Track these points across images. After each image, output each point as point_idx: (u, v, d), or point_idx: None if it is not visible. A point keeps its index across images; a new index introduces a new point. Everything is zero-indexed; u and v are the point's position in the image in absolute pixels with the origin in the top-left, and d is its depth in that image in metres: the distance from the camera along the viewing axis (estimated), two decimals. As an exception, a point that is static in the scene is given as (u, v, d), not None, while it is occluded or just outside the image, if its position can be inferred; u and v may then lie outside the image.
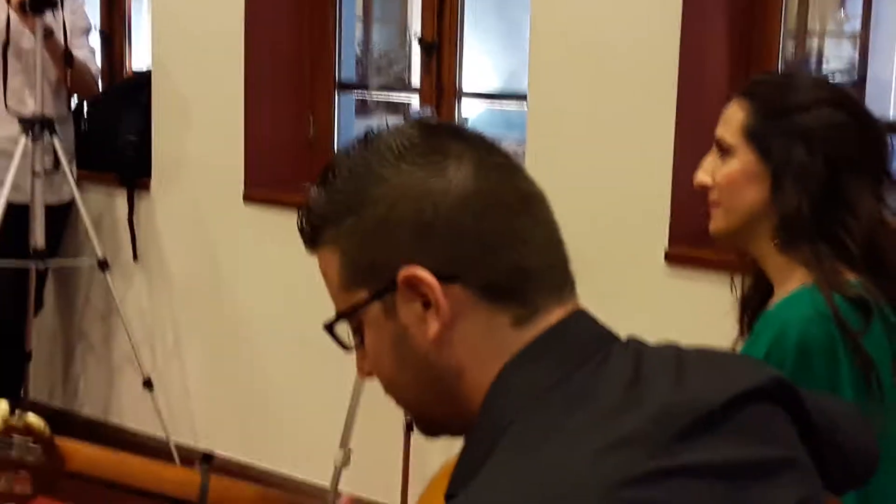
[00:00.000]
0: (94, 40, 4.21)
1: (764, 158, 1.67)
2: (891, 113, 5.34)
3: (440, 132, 1.08)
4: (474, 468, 0.99)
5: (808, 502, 1.02)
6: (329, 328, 1.09)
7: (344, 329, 1.10)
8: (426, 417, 1.12)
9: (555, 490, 0.92)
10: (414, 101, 3.79)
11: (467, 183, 1.03)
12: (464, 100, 3.65)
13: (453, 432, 1.10)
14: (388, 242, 1.03)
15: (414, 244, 1.02)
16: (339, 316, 1.08)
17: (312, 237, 1.09)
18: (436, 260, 1.02)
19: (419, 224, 1.02)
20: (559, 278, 1.06)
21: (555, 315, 1.04)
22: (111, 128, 4.10)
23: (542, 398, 1.00)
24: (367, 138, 1.08)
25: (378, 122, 1.14)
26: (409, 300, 1.03)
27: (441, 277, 1.02)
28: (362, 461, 3.29)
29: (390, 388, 1.11)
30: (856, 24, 6.42)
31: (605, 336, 1.07)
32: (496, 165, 1.06)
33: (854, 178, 1.63)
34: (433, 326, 1.03)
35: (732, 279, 1.82)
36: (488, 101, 4.76)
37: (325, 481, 3.27)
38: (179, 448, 3.83)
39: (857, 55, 6.39)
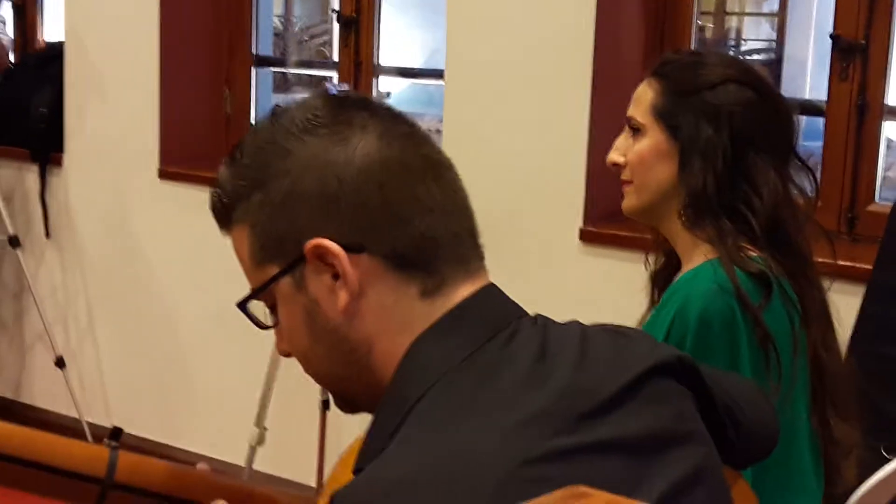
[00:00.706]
0: (6, 11, 4.12)
1: (672, 136, 1.68)
2: (806, 92, 5.42)
3: (345, 104, 1.07)
4: (382, 443, 0.99)
5: (703, 472, 1.04)
6: (242, 306, 1.09)
7: (260, 308, 1.10)
8: (342, 393, 1.13)
9: (457, 468, 0.93)
10: (333, 76, 3.76)
11: (371, 152, 1.03)
12: (382, 76, 3.63)
13: (369, 409, 1.09)
14: (295, 215, 1.03)
15: (320, 216, 1.02)
16: (252, 293, 1.08)
17: (224, 217, 1.09)
18: (342, 231, 1.02)
19: (324, 195, 1.02)
20: (466, 248, 1.07)
21: (463, 288, 1.05)
22: (22, 101, 4.02)
23: (449, 375, 1.01)
24: (275, 113, 1.08)
25: (298, 98, 1.14)
26: (318, 272, 1.03)
27: (348, 248, 1.02)
28: (278, 440, 3.28)
29: (306, 364, 1.11)
30: (774, 4, 6.50)
31: (512, 312, 1.07)
32: (401, 134, 1.06)
33: (759, 155, 1.65)
34: (342, 297, 1.03)
35: (647, 256, 1.84)
36: (409, 77, 4.74)
37: (240, 461, 3.25)
38: (93, 427, 3.79)
39: (774, 35, 6.47)
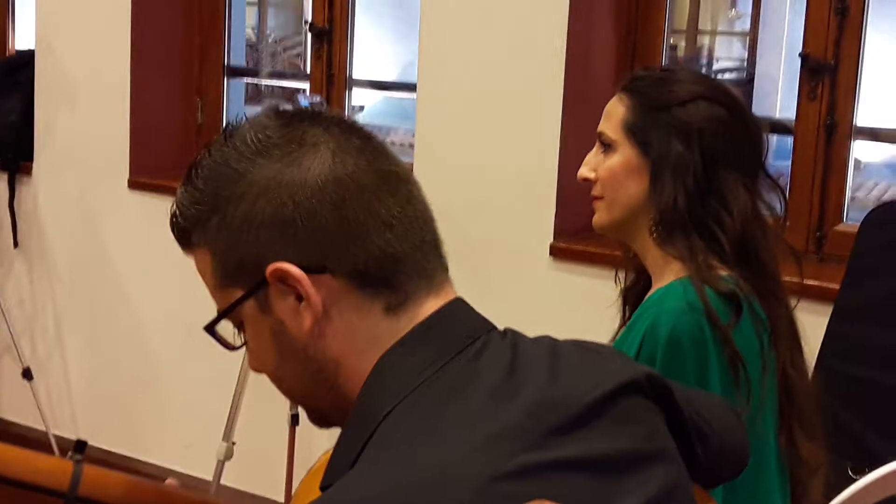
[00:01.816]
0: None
1: (643, 152, 1.69)
2: (777, 111, 5.45)
3: (296, 120, 1.06)
4: (348, 460, 0.99)
5: (674, 491, 1.04)
6: (210, 329, 1.09)
7: (228, 328, 1.09)
8: (313, 409, 1.12)
9: (424, 487, 0.92)
10: (306, 88, 3.75)
11: (324, 172, 1.02)
12: (355, 88, 3.63)
13: (341, 423, 1.09)
14: (254, 240, 1.02)
15: (278, 239, 1.02)
16: (218, 317, 1.08)
17: (184, 239, 1.09)
18: (301, 252, 1.01)
19: (280, 219, 1.01)
20: (429, 260, 1.06)
21: (428, 302, 1.05)
22: (-9, 109, 3.99)
23: (417, 391, 1.00)
24: (227, 133, 1.07)
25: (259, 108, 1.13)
26: (281, 294, 1.03)
27: (308, 269, 1.01)
28: (246, 455, 3.26)
29: (277, 381, 1.11)
30: (746, 23, 6.54)
31: (480, 326, 1.07)
32: (354, 150, 1.04)
33: (729, 172, 1.65)
34: (307, 319, 1.03)
35: (617, 272, 1.84)
36: (382, 90, 4.74)
37: (208, 475, 3.23)
38: (59, 440, 3.75)
39: (745, 54, 6.51)
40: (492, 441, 0.95)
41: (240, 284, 1.05)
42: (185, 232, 1.07)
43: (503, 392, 1.00)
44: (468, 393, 0.99)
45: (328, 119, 1.07)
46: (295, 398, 1.13)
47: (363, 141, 1.06)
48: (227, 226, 1.03)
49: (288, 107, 1.10)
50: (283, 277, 1.02)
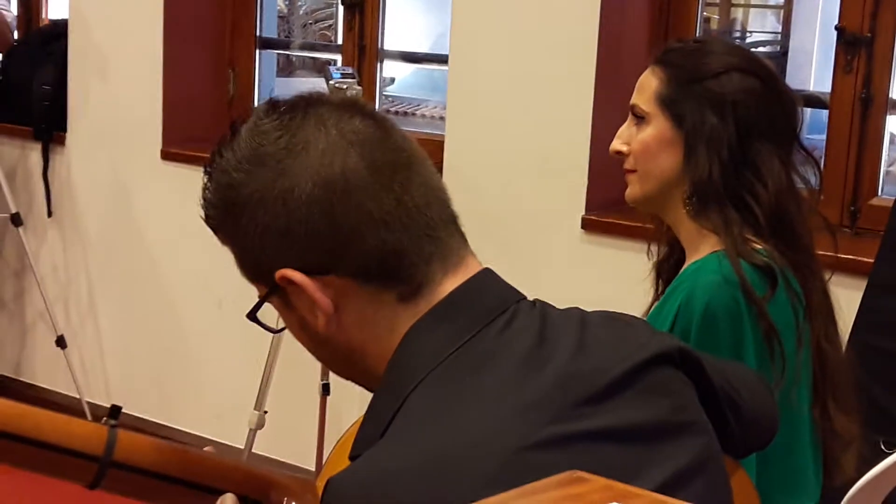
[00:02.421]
0: (11, -11, 4.11)
1: (677, 125, 1.67)
2: (811, 85, 5.40)
3: (288, 118, 1.06)
4: (377, 431, 1.00)
5: (704, 462, 1.04)
6: (251, 316, 1.12)
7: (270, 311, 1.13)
8: (351, 380, 1.15)
9: (454, 456, 0.93)
10: (337, 59, 3.75)
11: (313, 177, 1.02)
12: (386, 60, 3.62)
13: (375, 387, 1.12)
14: (260, 248, 1.05)
15: (279, 248, 1.04)
16: (255, 307, 1.11)
17: (213, 230, 1.12)
18: (303, 258, 1.04)
19: (277, 228, 1.04)
20: (441, 243, 1.06)
21: (447, 283, 1.05)
22: (25, 78, 4.01)
23: (444, 363, 1.01)
24: (232, 131, 1.09)
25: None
26: (296, 293, 1.06)
27: (312, 273, 1.04)
28: (278, 423, 3.28)
29: (315, 356, 1.15)
30: (780, -4, 6.46)
31: (509, 296, 1.07)
32: (347, 144, 1.04)
33: (763, 144, 1.64)
34: (320, 318, 1.05)
35: (649, 246, 1.83)
36: (413, 62, 4.72)
37: (239, 443, 3.25)
38: (93, 406, 3.79)
39: (780, 27, 6.44)
40: (520, 412, 0.96)
41: (261, 283, 1.08)
42: (211, 226, 1.11)
43: (532, 363, 1.00)
44: (496, 364, 1.00)
45: (324, 111, 1.06)
46: (332, 370, 1.17)
47: (357, 133, 1.05)
48: (236, 233, 1.07)
49: (285, 99, 1.09)
50: (291, 282, 1.04)
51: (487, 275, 1.08)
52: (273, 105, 1.08)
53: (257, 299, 1.11)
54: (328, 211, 1.02)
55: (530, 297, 1.09)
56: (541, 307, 1.07)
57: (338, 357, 1.11)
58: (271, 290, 1.07)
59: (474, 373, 1.00)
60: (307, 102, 1.08)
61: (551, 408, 0.97)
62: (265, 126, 1.06)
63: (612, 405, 1.00)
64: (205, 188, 1.10)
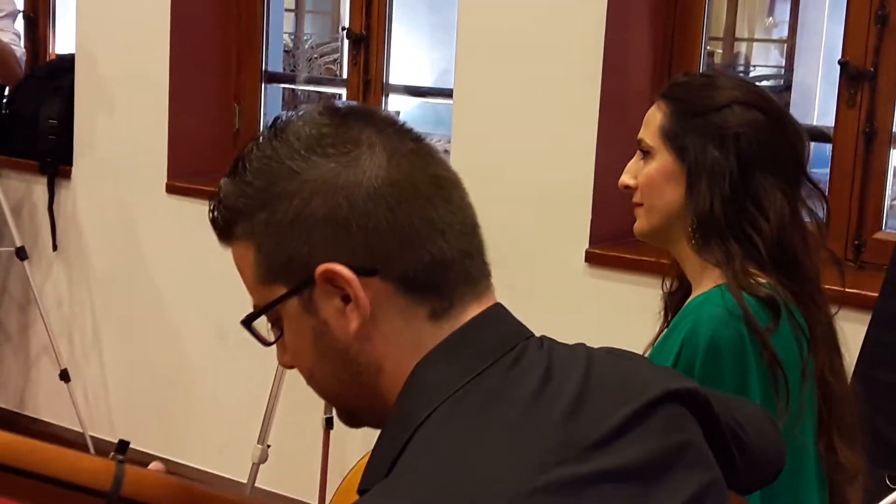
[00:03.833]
0: (20, 25, 4.14)
1: (680, 159, 1.68)
2: (815, 119, 5.42)
3: (350, 119, 1.05)
4: (386, 465, 0.99)
5: (708, 497, 1.04)
6: (247, 324, 1.07)
7: (262, 322, 1.09)
8: (347, 409, 1.12)
9: (462, 496, 0.92)
10: (342, 93, 3.77)
11: (380, 174, 1.01)
12: (391, 94, 3.64)
13: (373, 425, 1.09)
14: (304, 238, 1.01)
15: (330, 239, 1.01)
16: (258, 312, 1.07)
17: (225, 231, 1.07)
18: (353, 254, 1.01)
19: (334, 219, 1.00)
20: (475, 269, 1.06)
21: (471, 309, 1.04)
22: (31, 112, 4.03)
23: (454, 397, 1.00)
24: (277, 126, 1.06)
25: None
26: (328, 295, 1.02)
27: (359, 272, 1.01)
28: (281, 458, 3.27)
29: (310, 379, 1.10)
30: (784, 31, 6.51)
31: (517, 333, 1.06)
32: (409, 152, 1.04)
33: (766, 178, 1.64)
34: (353, 321, 1.02)
35: (663, 279, 1.83)
36: (418, 96, 4.75)
37: (243, 477, 3.25)
38: (96, 441, 3.78)
39: (783, 61, 6.48)
40: (527, 454, 0.95)
41: (284, 282, 1.04)
42: (229, 223, 1.06)
43: (538, 403, 0.99)
44: (503, 404, 0.99)
45: (381, 119, 1.06)
46: (328, 397, 1.12)
47: (416, 144, 1.05)
48: (277, 223, 1.02)
49: (340, 105, 1.09)
50: (333, 278, 1.01)
51: (499, 310, 1.07)
52: (331, 107, 1.06)
53: (254, 308, 1.07)
54: (392, 209, 1.00)
55: (535, 332, 1.09)
56: (548, 345, 1.07)
57: (344, 373, 1.06)
58: (297, 289, 1.03)
59: (482, 412, 0.99)
60: (361, 109, 1.08)
61: (558, 450, 0.96)
62: (326, 121, 1.04)
63: (619, 445, 0.99)
64: (236, 176, 1.05)
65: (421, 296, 1.03)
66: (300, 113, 1.07)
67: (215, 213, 1.07)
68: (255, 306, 1.07)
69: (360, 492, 1.01)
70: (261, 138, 1.06)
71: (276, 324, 1.08)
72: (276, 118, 1.08)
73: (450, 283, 1.03)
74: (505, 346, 1.04)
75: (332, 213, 1.00)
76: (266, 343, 1.10)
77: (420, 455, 0.97)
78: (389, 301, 1.02)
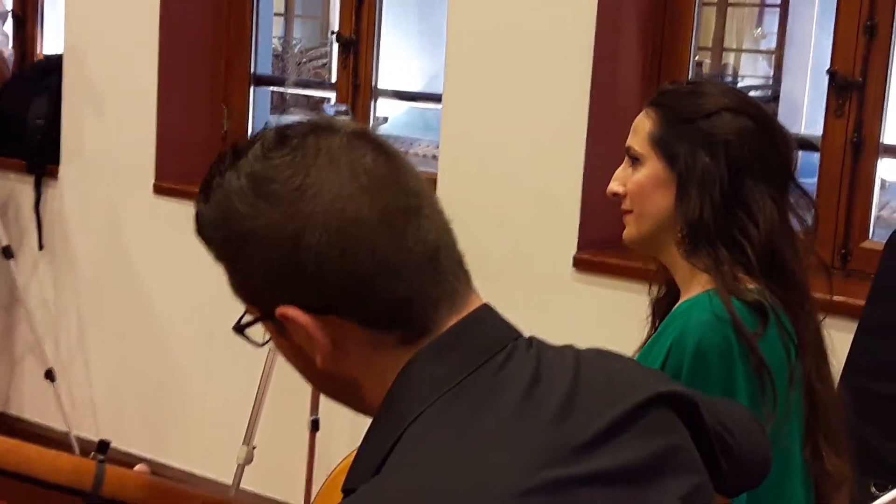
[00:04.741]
0: (8, 26, 4.13)
1: (670, 165, 1.69)
2: (802, 128, 5.45)
3: (300, 151, 1.03)
4: (372, 465, 0.99)
5: (695, 492, 1.04)
6: (239, 331, 1.09)
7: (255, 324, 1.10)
8: (343, 404, 1.13)
9: (453, 496, 0.92)
10: (331, 97, 3.77)
11: (325, 222, 0.99)
12: (380, 98, 3.64)
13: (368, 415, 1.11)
14: (260, 283, 1.03)
15: (284, 284, 1.01)
16: (244, 325, 1.08)
17: (203, 243, 1.09)
18: (307, 297, 1.01)
19: (284, 269, 1.00)
20: (446, 290, 1.04)
21: (448, 321, 1.04)
22: (19, 112, 4.02)
23: (442, 399, 1.00)
24: (236, 152, 1.05)
25: (294, 118, 1.10)
26: (294, 327, 1.03)
27: (315, 311, 1.01)
28: (266, 459, 3.26)
29: (304, 378, 1.12)
30: (772, 42, 6.53)
31: (506, 334, 1.06)
32: (360, 189, 1.01)
33: (756, 184, 1.65)
34: (317, 355, 1.03)
35: (650, 285, 1.83)
36: (407, 101, 4.76)
37: (227, 478, 3.24)
38: (81, 441, 3.77)
39: (771, 71, 6.50)
40: (517, 455, 0.95)
41: (255, 308, 1.06)
42: (203, 241, 1.08)
43: (527, 405, 0.99)
44: (493, 405, 0.99)
45: (335, 146, 1.03)
46: (326, 396, 1.14)
47: (370, 175, 1.02)
48: (236, 261, 1.04)
49: (294, 127, 1.06)
50: (289, 320, 1.02)
51: (486, 311, 1.07)
52: (283, 137, 1.04)
53: (244, 311, 1.08)
54: (339, 259, 0.99)
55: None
56: (537, 345, 1.07)
57: (332, 386, 1.09)
58: (265, 317, 1.05)
59: (471, 413, 0.99)
60: (317, 132, 1.05)
61: (548, 451, 0.96)
62: (275, 161, 1.02)
63: (609, 447, 0.99)
64: (199, 202, 1.06)
65: (385, 329, 1.02)
66: (256, 139, 1.05)
67: (195, 226, 1.09)
68: (240, 323, 1.08)
69: (346, 490, 1.01)
70: (223, 161, 1.06)
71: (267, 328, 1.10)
72: (235, 144, 1.07)
73: (414, 315, 1.03)
74: (493, 347, 1.03)
75: (280, 263, 1.00)
76: (257, 345, 1.11)
77: (408, 456, 0.97)
78: (353, 334, 1.02)
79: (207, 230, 1.06)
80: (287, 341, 1.06)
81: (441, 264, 1.04)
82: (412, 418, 0.99)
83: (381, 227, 1.01)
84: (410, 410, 1.00)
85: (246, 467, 3.16)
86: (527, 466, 0.95)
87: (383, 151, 1.05)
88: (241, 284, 1.06)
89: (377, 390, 1.04)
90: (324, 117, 1.10)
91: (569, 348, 1.10)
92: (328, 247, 0.99)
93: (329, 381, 1.08)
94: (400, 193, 1.04)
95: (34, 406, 4.10)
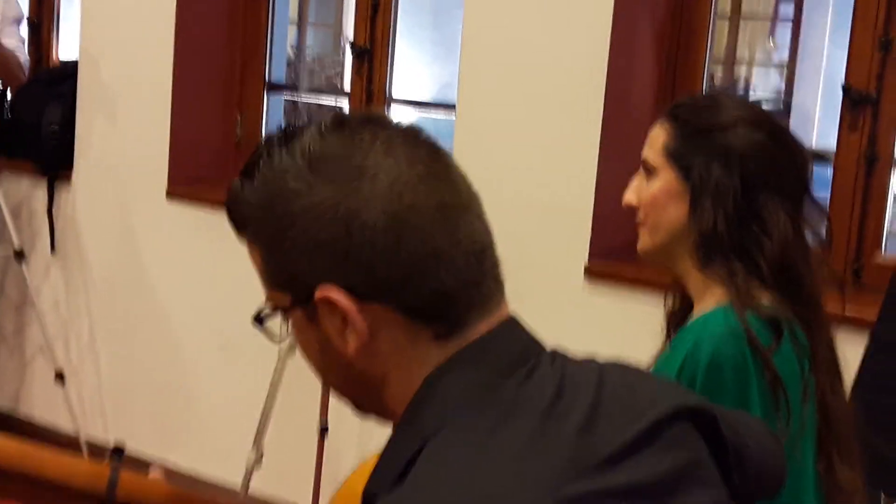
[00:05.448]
0: (24, 31, 4.15)
1: (684, 177, 1.69)
2: (813, 142, 5.44)
3: (358, 136, 1.03)
4: (395, 472, 0.99)
5: None
6: (259, 322, 1.08)
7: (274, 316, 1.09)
8: (356, 407, 1.13)
9: None
10: (344, 104, 3.78)
11: (382, 204, 0.99)
12: (393, 106, 3.66)
13: (384, 418, 1.10)
14: (304, 262, 1.01)
15: (329, 265, 1.00)
16: (266, 314, 1.07)
17: (237, 228, 1.08)
18: (352, 280, 1.00)
19: (333, 248, 1.00)
20: (482, 293, 1.04)
21: (479, 328, 1.04)
22: (34, 116, 4.03)
23: (467, 411, 1.00)
24: (288, 135, 1.05)
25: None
26: (329, 314, 1.02)
27: (358, 296, 1.00)
28: (275, 463, 3.27)
29: (320, 377, 1.11)
30: (784, 54, 6.53)
31: (531, 347, 1.06)
32: (417, 178, 1.01)
33: (770, 197, 1.65)
34: (351, 341, 1.02)
35: (665, 296, 1.83)
36: (419, 109, 4.76)
37: (236, 481, 3.25)
38: (90, 443, 3.78)
39: (783, 84, 6.50)
40: (541, 470, 0.95)
41: (288, 293, 1.04)
42: (238, 224, 1.07)
43: (552, 419, 0.99)
44: (517, 418, 0.99)
45: (393, 136, 1.03)
46: (338, 393, 1.13)
47: (426, 165, 1.03)
48: (280, 242, 1.02)
49: (351, 115, 1.07)
50: (329, 303, 1.01)
51: (514, 323, 1.07)
52: (341, 121, 1.04)
53: (266, 303, 1.07)
54: (393, 243, 0.99)
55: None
56: (560, 360, 1.07)
57: (351, 382, 1.08)
58: (299, 303, 1.03)
59: (495, 427, 0.98)
60: (374, 123, 1.04)
61: (572, 465, 0.96)
62: (333, 140, 1.02)
63: (632, 462, 0.99)
64: (242, 184, 1.05)
65: (423, 322, 1.02)
66: (310, 122, 1.06)
67: (229, 209, 1.08)
68: (263, 311, 1.08)
69: (367, 494, 1.01)
70: (271, 144, 1.05)
71: (286, 319, 1.08)
72: (288, 126, 1.07)
73: (453, 311, 1.02)
74: (518, 360, 1.03)
75: (332, 242, 1.00)
76: (275, 340, 1.11)
77: (431, 468, 0.96)
78: (391, 324, 1.02)
79: (248, 211, 1.05)
80: (314, 331, 1.04)
81: (485, 265, 1.05)
82: (436, 429, 0.99)
83: (437, 218, 1.01)
84: (432, 422, 1.00)
85: (255, 471, 3.16)
86: (551, 480, 0.95)
87: (434, 148, 1.05)
88: (280, 267, 1.04)
89: (401, 392, 1.04)
90: (376, 112, 1.10)
91: (591, 361, 1.10)
92: (384, 230, 0.99)
93: (351, 378, 1.06)
94: (452, 189, 1.04)
95: (44, 408, 4.12)
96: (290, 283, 1.04)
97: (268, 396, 3.12)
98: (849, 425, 1.68)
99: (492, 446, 0.97)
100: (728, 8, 6.20)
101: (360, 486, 1.06)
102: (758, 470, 1.22)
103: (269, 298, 1.08)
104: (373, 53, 3.57)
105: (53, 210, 4.02)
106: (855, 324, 2.41)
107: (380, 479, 1.01)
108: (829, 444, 1.66)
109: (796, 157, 1.70)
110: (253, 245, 1.07)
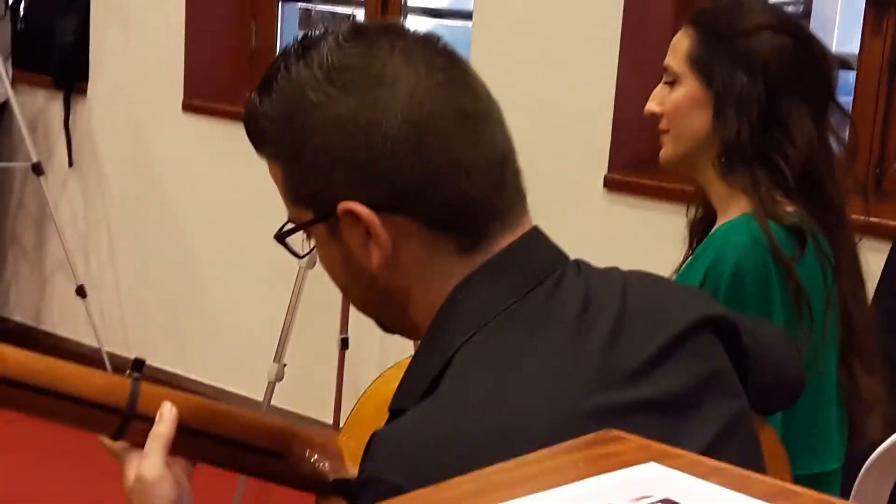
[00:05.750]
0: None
1: (707, 85, 1.67)
2: (834, 47, 5.36)
3: (376, 45, 1.01)
4: (422, 386, 0.99)
5: (737, 424, 1.06)
6: (280, 239, 1.08)
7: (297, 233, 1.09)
8: (380, 322, 1.13)
9: (508, 421, 0.93)
10: (359, 14, 3.73)
11: (402, 113, 0.98)
12: (409, 15, 3.61)
13: (407, 337, 1.11)
14: (325, 176, 1.01)
15: (351, 179, 1.00)
16: (289, 231, 1.07)
17: (256, 145, 1.07)
18: (374, 192, 1.00)
19: (354, 159, 0.99)
20: (504, 202, 1.04)
21: (502, 239, 1.03)
22: (47, 28, 4.00)
23: (493, 323, 1.00)
24: (304, 45, 1.03)
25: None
26: (351, 227, 1.01)
27: (380, 208, 1.00)
28: (296, 377, 3.29)
29: (344, 293, 1.13)
30: (804, -44, 6.40)
31: (556, 258, 1.06)
32: (435, 85, 1.00)
33: (795, 104, 1.63)
34: (375, 255, 1.02)
35: (688, 207, 1.82)
36: (437, 17, 4.70)
37: (258, 395, 3.27)
38: (112, 356, 3.81)
39: (803, -12, 6.38)
40: (568, 381, 0.96)
41: (310, 208, 1.04)
42: (258, 141, 1.06)
43: (579, 331, 1.00)
44: (545, 332, 0.99)
45: (411, 45, 1.02)
46: (361, 310, 1.13)
47: (446, 73, 1.02)
48: (300, 155, 1.02)
49: (368, 24, 1.06)
50: (353, 215, 1.00)
51: (537, 234, 1.06)
52: (358, 30, 1.03)
53: (288, 220, 1.07)
54: (414, 152, 0.98)
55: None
56: (585, 271, 1.06)
57: (375, 297, 1.08)
58: (321, 218, 1.03)
59: (524, 337, 0.99)
60: (392, 31, 1.03)
61: (599, 377, 0.97)
62: (351, 50, 1.01)
63: (657, 374, 1.00)
64: (260, 98, 1.04)
65: (446, 232, 1.02)
66: (327, 32, 1.04)
67: (247, 127, 1.07)
68: (284, 229, 1.08)
69: (393, 410, 1.01)
70: (288, 56, 1.04)
71: (310, 236, 1.08)
72: (305, 34, 1.05)
73: (475, 221, 1.02)
74: (544, 272, 1.03)
75: (352, 153, 0.99)
76: (299, 256, 1.11)
77: (460, 380, 0.97)
78: (413, 236, 1.01)
79: (267, 126, 1.04)
80: (337, 246, 1.04)
81: (506, 174, 1.04)
82: (463, 341, 0.99)
83: (457, 125, 1.01)
84: (460, 334, 0.99)
85: (277, 384, 3.18)
86: (578, 391, 0.95)
87: (455, 56, 1.05)
88: (301, 182, 1.03)
89: (425, 306, 1.04)
90: (393, 21, 1.08)
91: (615, 272, 1.10)
92: (405, 139, 0.98)
93: (376, 293, 1.06)
94: (472, 96, 1.03)
95: (65, 322, 4.14)
96: (311, 197, 1.03)
97: (288, 310, 3.13)
98: (871, 334, 1.68)
99: (519, 358, 0.97)
100: None
101: (382, 393, 1.06)
102: (777, 379, 1.22)
103: (290, 215, 1.07)
104: (388, -40, 3.51)
105: (70, 123, 4.00)
106: (876, 231, 2.39)
107: (408, 393, 1.01)
108: (851, 352, 1.66)
109: (821, 63, 1.67)
110: (273, 162, 1.06)
